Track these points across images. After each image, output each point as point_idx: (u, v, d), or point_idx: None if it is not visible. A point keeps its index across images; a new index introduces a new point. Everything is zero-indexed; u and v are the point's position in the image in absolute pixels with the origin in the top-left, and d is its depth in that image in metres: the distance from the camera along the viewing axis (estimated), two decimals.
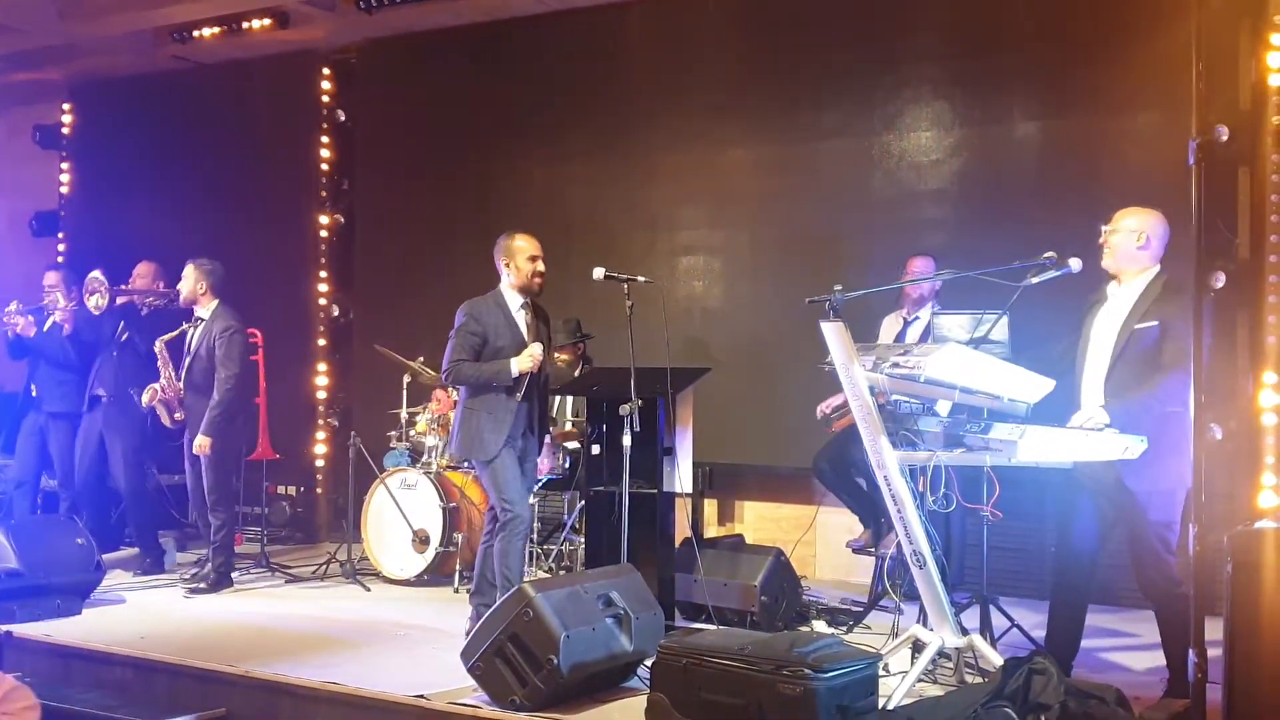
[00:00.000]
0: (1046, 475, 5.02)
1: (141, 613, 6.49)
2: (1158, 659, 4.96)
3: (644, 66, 8.34)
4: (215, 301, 7.15)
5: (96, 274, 7.48)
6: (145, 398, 7.27)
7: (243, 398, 7.19)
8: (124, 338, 7.52)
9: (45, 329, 7.78)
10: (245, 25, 8.90)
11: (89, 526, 7.61)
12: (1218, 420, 6.22)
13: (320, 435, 9.47)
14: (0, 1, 8.64)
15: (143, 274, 7.72)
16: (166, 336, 7.30)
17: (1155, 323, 4.73)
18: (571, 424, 7.62)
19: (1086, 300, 5.06)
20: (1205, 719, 3.85)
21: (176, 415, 7.25)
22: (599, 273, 5.88)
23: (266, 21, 8.84)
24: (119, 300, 7.48)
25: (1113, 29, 6.76)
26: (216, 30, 9.01)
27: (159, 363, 7.30)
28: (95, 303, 7.40)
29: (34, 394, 7.89)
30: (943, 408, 4.78)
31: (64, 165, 10.94)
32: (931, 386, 4.53)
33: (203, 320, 7.13)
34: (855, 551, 6.97)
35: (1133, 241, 4.84)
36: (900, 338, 6.55)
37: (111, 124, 10.58)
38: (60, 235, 10.89)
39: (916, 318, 6.53)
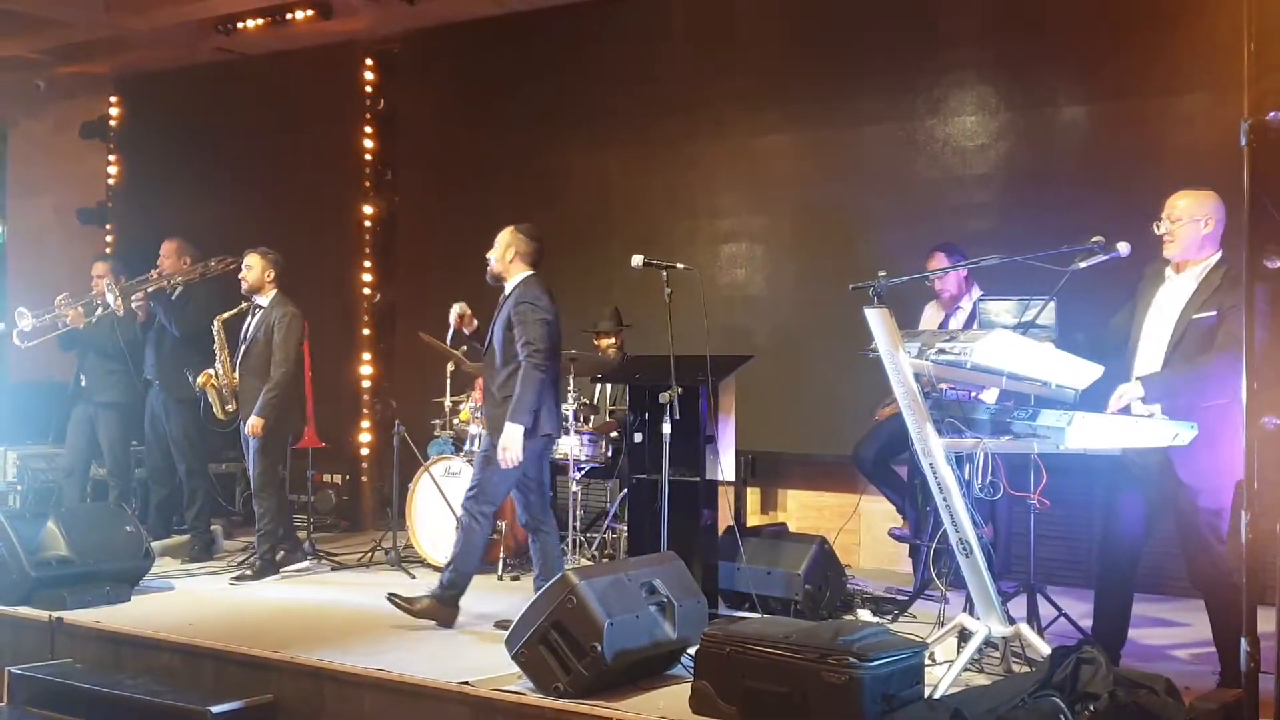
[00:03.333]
0: (1094, 462, 4.96)
1: (190, 599, 6.56)
2: (1208, 649, 4.90)
3: (684, 54, 8.32)
4: (275, 290, 7.23)
5: (101, 285, 7.55)
6: (200, 380, 7.31)
7: (297, 384, 7.22)
8: (156, 323, 7.60)
9: (94, 320, 7.86)
10: (288, 17, 8.95)
11: (157, 507, 7.72)
12: (1269, 406, 6.12)
13: (365, 424, 9.53)
14: None
15: (167, 253, 7.75)
16: (225, 315, 7.34)
17: (1213, 312, 4.63)
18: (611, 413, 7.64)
19: (1141, 273, 4.96)
20: (1258, 709, 3.79)
21: (229, 407, 7.29)
22: (637, 260, 5.88)
23: (310, 13, 8.88)
24: (150, 289, 7.55)
25: (1160, 9, 6.67)
26: (260, 22, 9.07)
27: (216, 345, 7.32)
28: (116, 303, 7.45)
29: (83, 384, 7.98)
30: (990, 395, 4.74)
31: (111, 158, 11.06)
32: (978, 373, 4.49)
33: (261, 308, 7.20)
34: (897, 539, 6.93)
35: (1199, 229, 4.71)
36: (943, 326, 6.49)
37: (157, 116, 10.68)
38: (108, 226, 11.01)
39: (959, 308, 6.47)
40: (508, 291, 5.86)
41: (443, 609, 5.79)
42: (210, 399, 7.31)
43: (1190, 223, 4.71)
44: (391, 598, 5.80)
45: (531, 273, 5.89)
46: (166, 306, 7.57)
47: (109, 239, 10.92)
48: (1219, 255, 4.76)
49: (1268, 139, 4.36)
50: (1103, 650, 4.18)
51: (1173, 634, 5.77)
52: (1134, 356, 4.84)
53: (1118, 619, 4.91)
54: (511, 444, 5.56)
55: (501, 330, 5.77)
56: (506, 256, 5.88)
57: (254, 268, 7.19)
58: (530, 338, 5.63)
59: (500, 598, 6.47)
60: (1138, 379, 4.65)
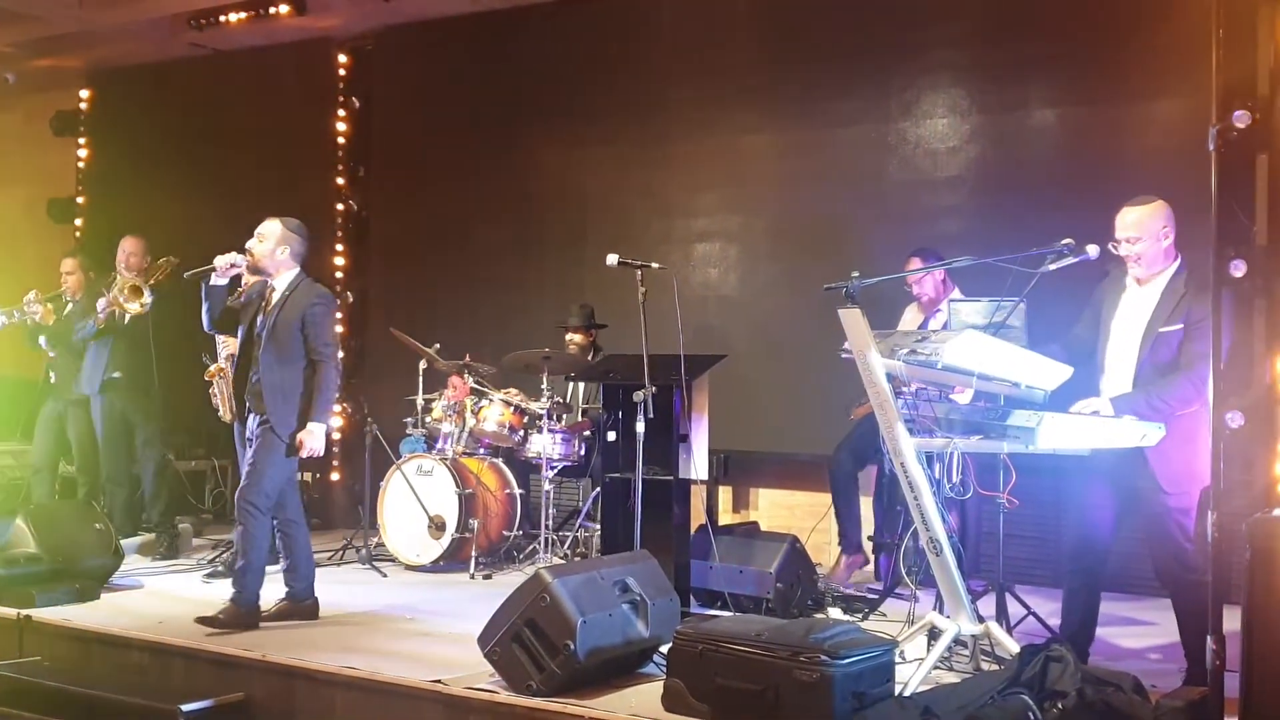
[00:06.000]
0: (1062, 462, 5.01)
1: (160, 597, 6.52)
2: (1175, 647, 4.95)
3: (660, 53, 8.33)
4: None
5: (118, 297, 7.43)
6: (212, 369, 7.15)
7: None
8: (126, 320, 7.50)
9: (63, 316, 7.80)
10: (263, 12, 8.90)
11: (120, 508, 7.65)
12: (1235, 408, 6.19)
13: (336, 421, 9.49)
14: None
15: (134, 250, 7.66)
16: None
17: (1179, 325, 4.68)
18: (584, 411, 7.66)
19: (1103, 273, 5.00)
20: (1223, 707, 3.84)
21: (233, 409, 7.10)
22: (612, 259, 5.90)
23: (284, 8, 8.85)
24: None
25: (1131, 15, 6.73)
26: (234, 17, 9.03)
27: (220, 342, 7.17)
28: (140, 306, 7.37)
29: (52, 380, 7.92)
30: (962, 395, 4.77)
31: (81, 152, 10.97)
32: (949, 373, 4.53)
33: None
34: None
35: (1160, 244, 4.75)
36: (922, 329, 6.53)
37: (129, 111, 10.61)
38: (78, 222, 10.93)
39: (938, 310, 6.51)
40: (282, 289, 5.85)
41: (241, 613, 5.71)
42: (219, 401, 7.15)
43: (1152, 240, 4.74)
44: (200, 620, 5.66)
45: (302, 270, 5.94)
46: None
47: (78, 234, 10.83)
48: (1179, 262, 4.80)
49: (1234, 144, 4.43)
50: (1071, 648, 4.23)
51: (1140, 632, 5.83)
52: (1103, 370, 4.88)
53: (1087, 617, 4.95)
54: (316, 441, 5.73)
55: (291, 327, 5.75)
56: (278, 253, 5.87)
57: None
58: (328, 339, 5.83)
59: (472, 595, 6.46)
60: (1108, 399, 4.69)
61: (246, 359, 5.87)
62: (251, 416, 5.85)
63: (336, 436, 9.46)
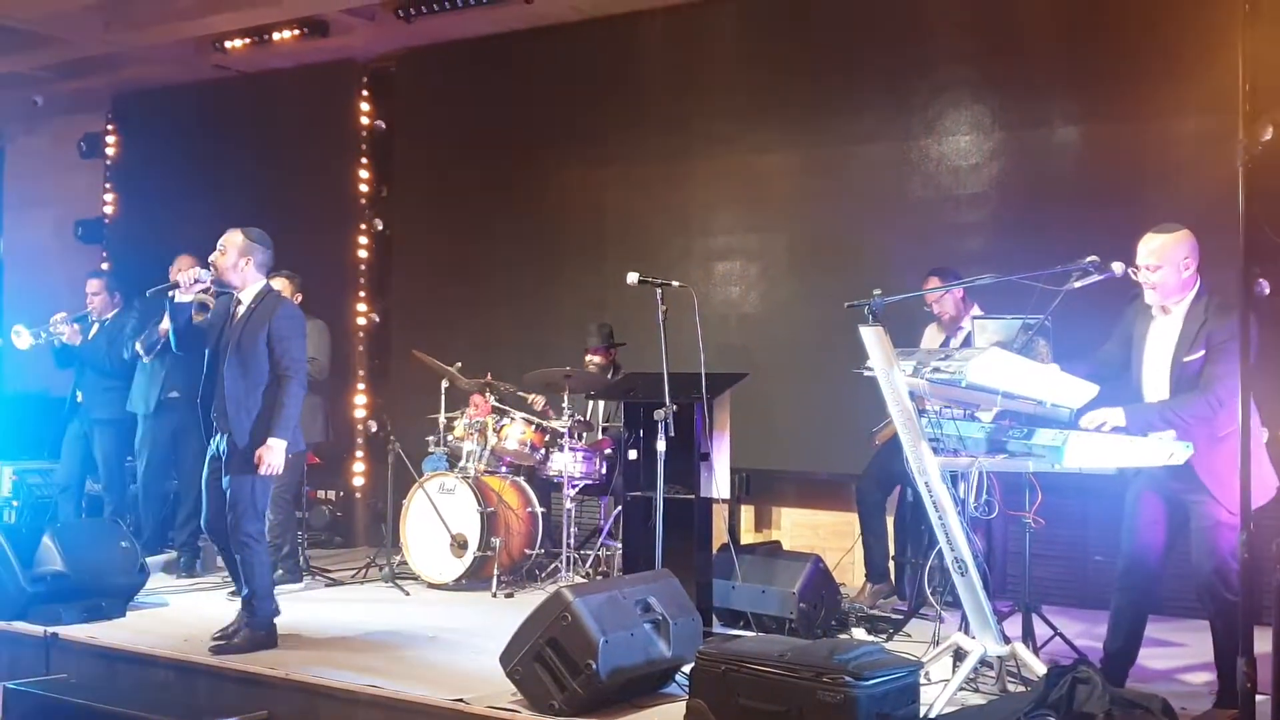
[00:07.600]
0: (1089, 481, 4.97)
1: (185, 615, 6.53)
2: (1205, 669, 4.90)
3: (680, 72, 8.35)
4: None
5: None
6: None
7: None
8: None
9: (90, 336, 7.85)
10: (285, 35, 8.97)
11: (151, 527, 7.67)
12: (1263, 426, 6.14)
13: (359, 440, 9.52)
14: (47, 13, 8.76)
15: (189, 268, 7.67)
16: None
17: (1201, 353, 4.64)
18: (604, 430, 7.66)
19: (1127, 298, 4.97)
20: None
21: None
22: (633, 278, 5.90)
23: (306, 31, 8.90)
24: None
25: (1155, 32, 6.71)
26: (257, 40, 9.10)
27: None
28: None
29: (79, 400, 7.97)
30: (986, 414, 4.75)
31: (108, 174, 11.07)
32: (973, 391, 4.50)
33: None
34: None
35: (1180, 274, 4.70)
36: (944, 346, 6.50)
37: (155, 133, 10.70)
38: (104, 243, 11.01)
39: (960, 328, 6.48)
40: (248, 301, 5.74)
41: (259, 636, 5.69)
42: None
43: (1171, 267, 4.70)
44: (216, 649, 5.58)
45: (268, 282, 5.87)
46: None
47: (104, 254, 10.92)
48: (1198, 286, 4.76)
49: (1262, 160, 4.40)
50: (1098, 670, 4.18)
51: (1170, 654, 5.76)
52: (1140, 398, 4.83)
53: (1131, 637, 4.85)
54: (276, 457, 5.58)
55: (257, 341, 5.64)
56: (241, 265, 5.75)
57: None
58: (297, 355, 5.70)
59: (494, 614, 6.45)
60: (1122, 409, 4.66)
61: (213, 377, 5.72)
62: (218, 436, 5.71)
63: (360, 454, 9.50)
